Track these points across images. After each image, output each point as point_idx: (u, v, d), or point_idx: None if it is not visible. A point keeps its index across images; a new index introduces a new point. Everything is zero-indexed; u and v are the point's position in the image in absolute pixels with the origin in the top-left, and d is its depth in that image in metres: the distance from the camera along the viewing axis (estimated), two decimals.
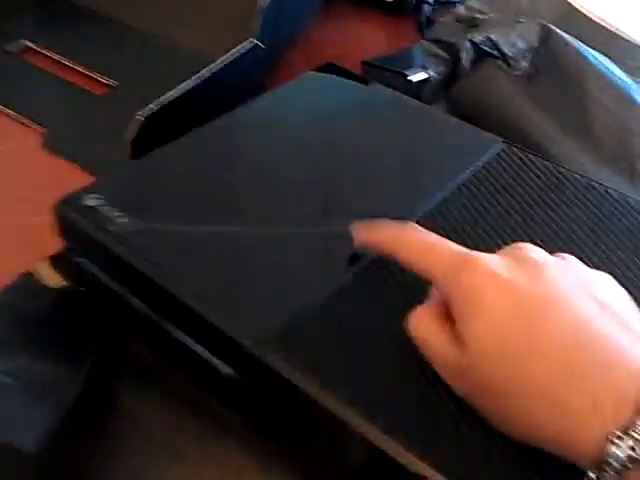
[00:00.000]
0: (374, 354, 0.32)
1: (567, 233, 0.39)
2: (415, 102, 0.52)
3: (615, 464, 0.25)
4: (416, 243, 0.33)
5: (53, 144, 0.54)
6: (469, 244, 0.32)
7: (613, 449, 0.25)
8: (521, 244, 0.32)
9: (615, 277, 0.32)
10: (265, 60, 0.59)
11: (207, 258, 0.36)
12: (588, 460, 0.26)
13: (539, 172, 0.43)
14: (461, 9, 0.63)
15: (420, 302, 0.32)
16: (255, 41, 0.57)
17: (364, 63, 0.61)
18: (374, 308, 0.34)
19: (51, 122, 0.56)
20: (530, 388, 0.27)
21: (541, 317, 0.28)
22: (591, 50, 0.54)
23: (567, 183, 0.43)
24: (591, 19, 0.62)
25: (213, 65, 0.54)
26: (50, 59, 0.63)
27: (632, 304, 0.31)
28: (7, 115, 0.57)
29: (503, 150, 0.45)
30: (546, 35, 0.55)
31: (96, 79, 0.61)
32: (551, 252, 0.32)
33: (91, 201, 0.38)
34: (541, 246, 0.32)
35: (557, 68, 0.54)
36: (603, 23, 0.61)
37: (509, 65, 0.55)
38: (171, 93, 0.51)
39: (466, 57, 0.57)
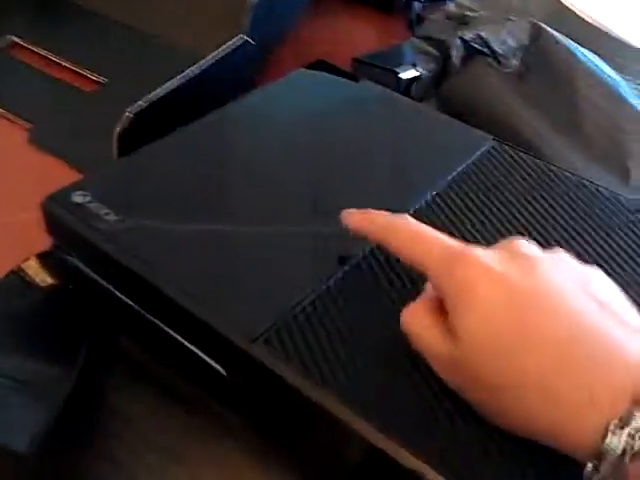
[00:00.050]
0: (365, 351, 0.32)
1: (558, 231, 0.39)
2: (405, 99, 0.52)
3: (612, 455, 0.25)
4: (409, 233, 0.33)
5: (40, 140, 0.54)
6: (459, 241, 0.32)
7: (610, 440, 0.25)
8: (514, 238, 0.32)
9: (606, 274, 0.32)
10: (255, 57, 0.59)
11: (196, 256, 0.36)
12: (584, 452, 0.26)
13: (529, 170, 0.44)
14: (451, 6, 0.62)
15: (411, 299, 0.32)
16: (245, 37, 0.56)
17: (354, 60, 0.61)
18: (364, 305, 0.34)
19: (38, 118, 0.55)
20: (522, 380, 0.27)
21: (533, 310, 0.28)
22: (581, 48, 0.54)
23: (557, 181, 0.43)
24: (581, 17, 0.62)
25: (203, 62, 0.53)
26: (37, 55, 0.62)
27: (625, 299, 0.31)
28: None
29: (493, 148, 0.45)
30: (536, 33, 0.55)
31: (84, 75, 0.60)
32: (543, 248, 0.32)
33: (79, 198, 0.38)
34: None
35: (547, 66, 0.54)
36: (593, 21, 0.61)
37: (499, 63, 0.55)
38: (160, 90, 0.51)
39: (456, 54, 0.57)
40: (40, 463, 0.32)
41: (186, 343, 0.34)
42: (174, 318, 0.34)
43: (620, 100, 0.51)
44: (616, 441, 0.25)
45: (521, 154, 0.45)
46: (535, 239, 0.38)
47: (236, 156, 0.44)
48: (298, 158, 0.44)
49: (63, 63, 0.61)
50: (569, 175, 0.43)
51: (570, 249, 0.32)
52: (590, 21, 0.61)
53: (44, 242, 0.39)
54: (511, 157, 0.44)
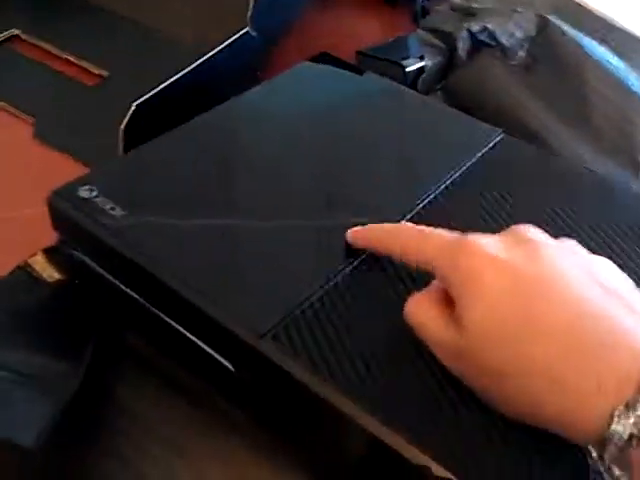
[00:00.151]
0: (373, 347, 0.32)
1: (567, 223, 0.39)
2: (411, 92, 0.51)
3: (617, 441, 0.25)
4: (411, 235, 0.33)
5: (44, 135, 0.54)
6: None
7: (616, 426, 0.25)
8: (520, 226, 0.32)
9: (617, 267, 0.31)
10: (259, 49, 0.58)
11: (203, 250, 0.36)
12: (590, 438, 0.26)
13: (537, 162, 0.43)
14: None
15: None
16: (249, 30, 0.56)
17: (359, 53, 0.60)
18: (372, 300, 0.34)
19: (42, 112, 0.55)
20: (529, 368, 0.27)
21: (539, 297, 0.28)
22: (589, 39, 0.53)
23: (566, 173, 0.42)
24: (586, 9, 0.61)
25: (206, 54, 0.53)
26: (40, 49, 0.62)
27: (633, 286, 0.30)
28: None
29: (501, 140, 0.44)
30: (543, 25, 0.55)
31: (87, 69, 0.60)
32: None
33: (85, 193, 0.38)
34: None
35: (555, 58, 0.53)
36: (599, 13, 0.61)
37: (506, 55, 0.55)
38: (164, 83, 0.50)
39: (463, 47, 0.56)
40: (46, 459, 0.32)
41: (194, 338, 0.34)
42: (181, 313, 0.34)
43: (629, 92, 0.51)
44: (621, 427, 0.25)
45: (529, 147, 0.44)
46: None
47: (241, 150, 0.43)
48: (303, 152, 0.44)
49: (66, 57, 0.61)
50: (578, 167, 0.43)
51: (580, 241, 0.32)
52: (596, 12, 0.61)
53: (50, 237, 0.39)
54: (519, 150, 0.44)
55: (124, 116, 0.48)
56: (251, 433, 0.35)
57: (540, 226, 0.32)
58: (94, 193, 0.38)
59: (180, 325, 0.35)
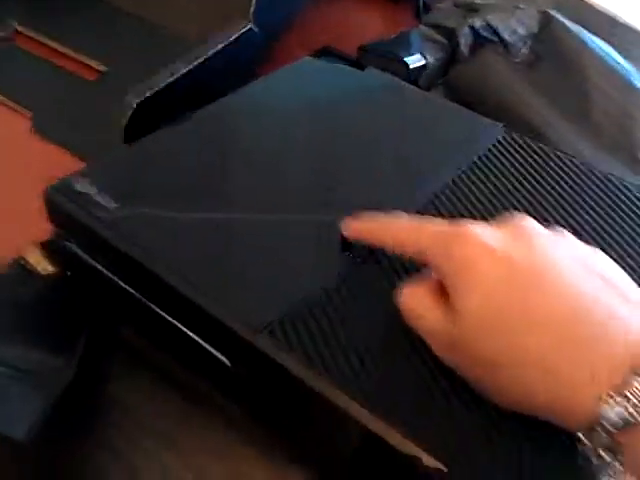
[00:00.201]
0: (367, 339, 0.32)
1: (566, 219, 0.39)
2: (413, 88, 0.51)
3: (606, 424, 0.25)
4: (404, 226, 0.33)
5: (43, 129, 0.53)
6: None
7: (605, 412, 0.25)
8: (516, 216, 0.32)
9: (614, 262, 0.31)
10: (260, 44, 0.58)
11: (199, 245, 0.36)
12: (582, 425, 0.26)
13: (539, 158, 0.43)
14: None
15: None
16: (250, 25, 0.56)
17: (361, 48, 0.60)
18: (367, 294, 0.34)
19: (40, 107, 0.55)
20: (523, 358, 0.27)
21: (534, 287, 0.28)
22: (591, 36, 0.53)
23: (567, 169, 0.42)
24: (588, 4, 0.61)
25: (207, 49, 0.53)
26: (40, 43, 0.62)
27: (626, 276, 0.30)
28: None
29: (503, 136, 0.44)
30: (546, 21, 0.54)
31: (86, 64, 0.60)
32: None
33: (81, 187, 0.38)
34: None
35: (557, 54, 0.53)
36: (602, 9, 0.61)
37: (509, 51, 0.55)
38: (165, 77, 0.50)
39: (465, 43, 0.56)
40: (39, 452, 0.32)
41: (189, 332, 0.34)
42: (176, 307, 0.34)
43: (631, 88, 0.51)
44: (610, 412, 0.25)
45: (530, 142, 0.44)
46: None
47: (240, 145, 0.43)
48: (304, 147, 0.43)
49: (66, 51, 0.61)
50: (578, 163, 0.43)
51: (579, 237, 0.32)
52: (598, 8, 0.60)
53: (46, 230, 0.39)
54: (520, 145, 0.44)
55: (124, 112, 0.48)
56: (246, 427, 0.35)
57: (540, 220, 0.32)
58: (90, 187, 0.38)
59: (175, 319, 0.34)
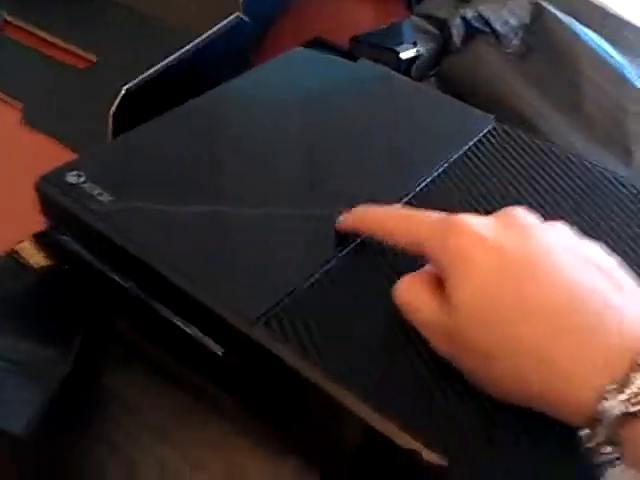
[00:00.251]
0: (364, 333, 0.32)
1: (557, 211, 0.39)
2: (405, 79, 0.51)
3: (608, 419, 0.25)
4: (400, 217, 0.33)
5: (33, 120, 0.53)
6: None
7: (606, 404, 0.25)
8: (511, 208, 0.32)
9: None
10: (251, 34, 0.58)
11: (192, 236, 0.36)
12: (580, 417, 0.26)
13: (530, 150, 0.43)
14: None
15: None
16: (240, 15, 0.55)
17: (353, 39, 0.60)
18: (363, 287, 0.34)
19: (30, 98, 0.54)
20: (517, 348, 0.27)
21: (528, 277, 0.28)
22: (584, 28, 0.53)
23: (559, 162, 0.42)
24: None
25: (198, 39, 0.53)
26: (29, 33, 0.61)
27: (620, 266, 0.30)
28: None
29: (494, 128, 0.44)
30: (538, 12, 0.54)
31: (76, 54, 0.59)
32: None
33: (73, 178, 0.37)
34: None
35: (549, 45, 0.53)
36: (593, 0, 0.61)
37: (500, 42, 0.54)
38: (155, 68, 0.50)
39: (457, 33, 0.56)
40: (37, 446, 0.32)
41: (183, 325, 0.34)
42: (171, 299, 0.34)
43: (623, 81, 0.51)
44: (612, 405, 0.25)
45: (522, 134, 0.44)
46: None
47: (232, 136, 0.43)
48: (295, 138, 0.43)
49: (55, 41, 0.60)
50: (570, 155, 0.43)
51: (570, 226, 0.32)
52: (591, 0, 0.60)
53: (39, 223, 0.39)
54: (512, 137, 0.44)
55: (113, 101, 0.48)
56: (241, 419, 0.35)
57: (532, 212, 0.32)
58: (82, 179, 0.37)
59: (170, 311, 0.34)
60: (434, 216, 0.32)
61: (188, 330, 0.34)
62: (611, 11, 0.59)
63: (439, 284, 0.30)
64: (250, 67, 0.50)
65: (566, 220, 0.32)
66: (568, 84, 0.51)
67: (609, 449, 0.26)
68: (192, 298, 0.32)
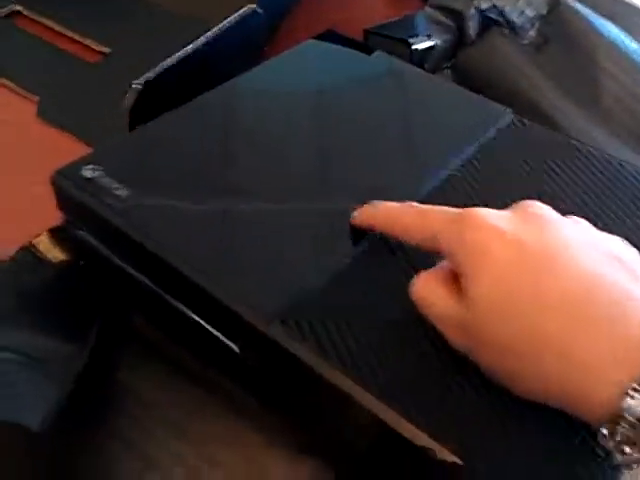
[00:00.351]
0: (380, 329, 0.32)
1: (578, 205, 0.39)
2: (419, 71, 0.51)
3: (631, 418, 0.25)
4: (415, 213, 0.33)
5: (47, 114, 0.53)
6: None
7: (629, 402, 0.25)
8: (528, 201, 0.31)
9: None
10: (264, 26, 0.58)
11: (209, 232, 0.35)
12: (599, 415, 0.26)
13: (548, 143, 0.43)
14: None
15: None
16: (254, 7, 0.55)
17: (366, 31, 0.59)
18: (380, 284, 0.34)
19: (45, 91, 0.54)
20: (535, 340, 0.27)
21: (546, 270, 0.28)
22: (601, 18, 0.52)
23: (579, 155, 0.42)
24: None
25: (211, 32, 0.52)
26: (41, 25, 0.61)
27: None
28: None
29: (512, 121, 0.44)
30: (555, 3, 0.54)
31: (89, 46, 0.59)
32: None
33: (89, 172, 0.37)
34: None
35: (566, 37, 0.52)
36: None
37: (516, 33, 0.54)
38: (169, 60, 0.50)
39: (472, 25, 0.55)
40: (52, 441, 0.32)
41: (200, 321, 0.34)
42: (188, 296, 0.34)
43: None
44: (634, 404, 0.25)
45: (540, 127, 0.44)
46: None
47: (246, 129, 0.43)
48: (309, 132, 0.43)
49: (68, 33, 0.60)
50: (590, 149, 0.42)
51: (592, 224, 0.31)
52: None
53: (55, 217, 0.39)
54: (531, 131, 0.43)
55: (128, 95, 0.48)
56: (258, 416, 0.35)
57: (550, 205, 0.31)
58: (98, 173, 0.37)
59: (186, 307, 0.34)
60: (449, 211, 0.31)
61: (204, 326, 0.34)
62: (629, 1, 0.58)
63: (455, 279, 0.30)
64: (263, 59, 0.50)
65: (587, 214, 0.31)
66: (585, 76, 0.51)
67: (628, 449, 0.26)
68: (209, 295, 0.32)
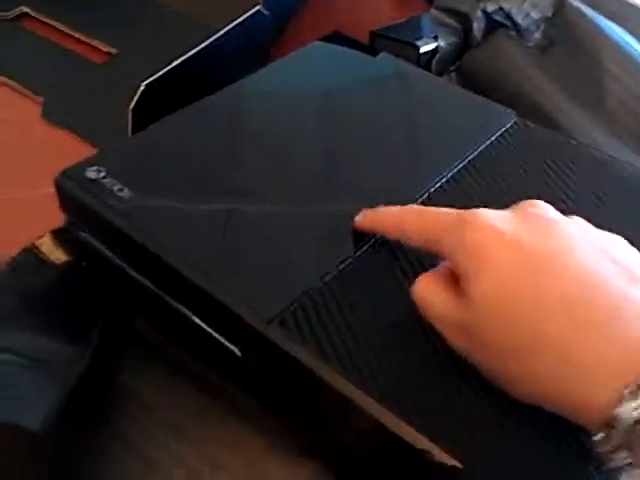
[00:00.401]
0: (382, 333, 0.32)
1: (580, 207, 0.38)
2: (425, 73, 0.51)
3: (625, 422, 0.25)
4: (416, 215, 0.33)
5: (52, 114, 0.53)
6: None
7: (625, 407, 0.25)
8: (528, 201, 0.31)
9: None
10: (270, 27, 0.58)
11: (211, 234, 0.35)
12: (596, 418, 0.26)
13: (553, 146, 0.43)
14: None
15: None
16: (259, 8, 0.55)
17: (372, 33, 0.59)
18: (380, 286, 0.34)
19: (50, 92, 0.55)
20: (535, 342, 0.27)
21: (546, 271, 0.28)
22: (607, 21, 0.52)
23: (582, 157, 0.42)
24: None
25: (217, 33, 0.52)
26: (48, 26, 0.61)
27: None
28: (4, 84, 0.55)
29: (516, 123, 0.44)
30: (560, 5, 0.54)
31: (96, 47, 0.59)
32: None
33: (93, 174, 0.37)
34: None
35: (571, 39, 0.52)
36: None
37: (522, 36, 0.54)
38: (174, 62, 0.50)
39: (478, 27, 0.55)
40: (53, 442, 0.32)
41: (201, 323, 0.34)
42: (188, 297, 0.34)
43: None
44: (630, 408, 0.25)
45: (543, 130, 0.44)
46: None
47: (251, 131, 0.43)
48: (314, 134, 0.43)
49: (74, 34, 0.60)
50: (593, 151, 0.42)
51: (594, 225, 0.31)
52: None
53: (58, 219, 0.39)
54: (533, 133, 0.43)
55: (133, 95, 0.48)
56: (258, 419, 0.35)
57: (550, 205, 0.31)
58: (102, 174, 0.37)
59: (187, 309, 0.34)
60: (450, 212, 0.31)
61: (205, 328, 0.34)
62: (634, 3, 0.58)
63: (455, 280, 0.30)
64: (269, 61, 0.50)
65: (589, 216, 0.31)
66: (590, 78, 0.51)
67: (623, 454, 0.26)
68: (209, 296, 0.32)
